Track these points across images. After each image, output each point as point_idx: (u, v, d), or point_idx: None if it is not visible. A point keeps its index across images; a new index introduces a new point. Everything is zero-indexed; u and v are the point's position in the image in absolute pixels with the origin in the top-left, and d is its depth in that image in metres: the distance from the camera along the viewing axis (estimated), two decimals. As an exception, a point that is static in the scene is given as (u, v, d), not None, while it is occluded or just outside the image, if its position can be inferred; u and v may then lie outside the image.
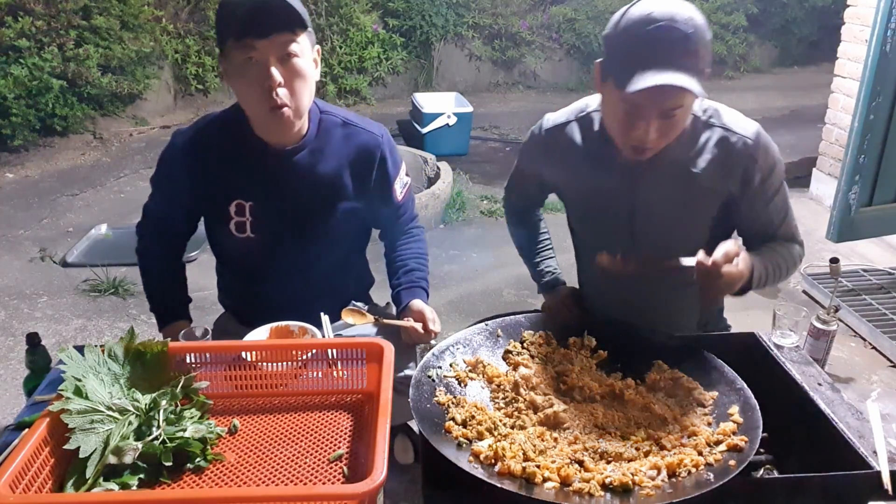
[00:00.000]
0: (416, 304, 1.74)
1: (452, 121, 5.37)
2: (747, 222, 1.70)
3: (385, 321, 1.72)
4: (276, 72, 1.51)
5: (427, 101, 5.61)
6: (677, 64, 1.37)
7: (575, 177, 1.72)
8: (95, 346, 1.27)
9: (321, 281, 1.80)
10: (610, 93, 1.49)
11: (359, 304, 1.93)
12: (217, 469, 1.19)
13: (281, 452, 1.23)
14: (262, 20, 1.47)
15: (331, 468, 1.20)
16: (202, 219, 1.82)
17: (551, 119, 1.77)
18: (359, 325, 1.75)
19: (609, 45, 1.47)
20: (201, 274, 1.92)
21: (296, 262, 1.76)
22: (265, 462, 1.21)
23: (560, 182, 1.79)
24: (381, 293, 2.03)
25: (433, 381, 1.32)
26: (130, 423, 1.18)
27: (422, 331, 1.68)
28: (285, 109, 1.56)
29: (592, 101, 1.72)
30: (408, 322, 1.69)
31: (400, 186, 1.82)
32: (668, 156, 1.59)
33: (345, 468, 1.20)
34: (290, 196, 1.70)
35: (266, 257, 1.75)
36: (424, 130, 5.36)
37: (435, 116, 5.35)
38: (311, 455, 1.23)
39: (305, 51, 1.56)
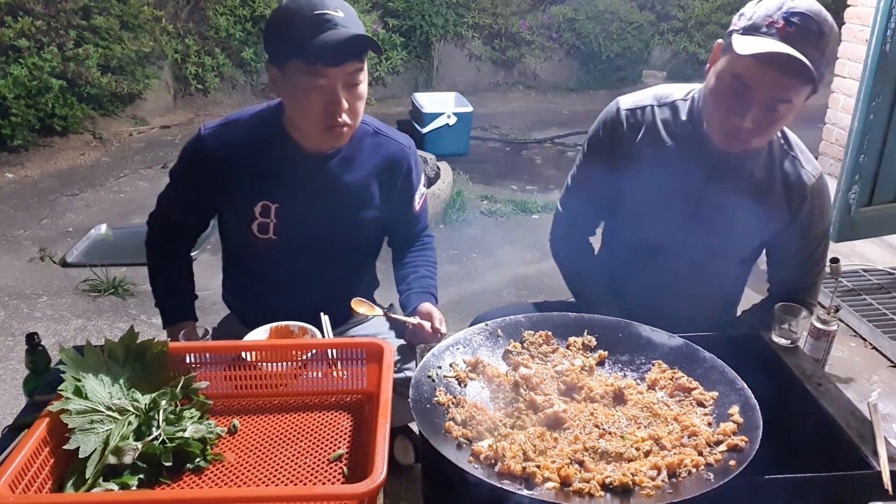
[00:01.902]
0: (426, 306, 1.74)
1: (452, 121, 5.37)
2: (781, 263, 1.74)
3: (393, 316, 1.74)
4: (343, 99, 1.53)
5: (427, 101, 5.61)
6: (804, 50, 1.38)
7: (648, 161, 1.69)
8: (95, 346, 1.27)
9: (332, 286, 1.79)
10: (723, 69, 1.48)
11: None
12: (217, 469, 1.19)
13: (281, 452, 1.23)
14: (338, 50, 1.47)
15: (331, 468, 1.20)
16: (216, 216, 1.81)
17: (629, 100, 1.73)
18: (369, 319, 1.76)
19: (741, 15, 1.48)
20: (202, 274, 1.92)
21: (312, 266, 1.75)
22: (265, 462, 1.21)
23: (630, 166, 1.72)
24: (383, 295, 2.02)
25: (433, 381, 1.32)
26: (130, 423, 1.18)
27: (429, 330, 1.67)
28: (345, 129, 1.58)
29: (675, 90, 1.71)
30: (415, 320, 1.69)
31: (419, 197, 1.84)
32: (745, 167, 1.63)
33: (345, 468, 1.20)
34: (318, 201, 1.69)
35: (283, 260, 1.73)
36: (424, 130, 5.36)
37: (435, 116, 5.35)
38: (311, 455, 1.23)
39: (366, 71, 1.58)
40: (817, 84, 1.42)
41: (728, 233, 1.69)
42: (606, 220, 1.89)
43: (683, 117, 1.65)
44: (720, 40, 1.52)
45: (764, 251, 1.79)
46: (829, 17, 1.42)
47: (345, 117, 1.56)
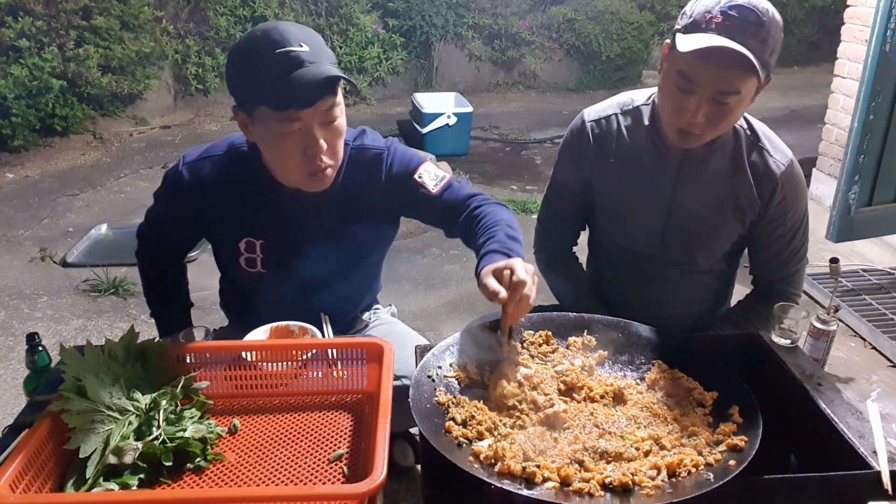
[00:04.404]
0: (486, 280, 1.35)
1: (452, 121, 5.37)
2: (760, 253, 1.73)
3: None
4: (321, 140, 1.44)
5: (427, 101, 5.61)
6: (743, 41, 1.39)
7: (617, 170, 1.70)
8: (96, 346, 1.27)
9: (332, 305, 1.75)
10: (669, 67, 1.50)
11: (365, 314, 1.91)
12: (217, 469, 1.19)
13: (281, 452, 1.23)
14: (309, 91, 1.38)
15: (331, 468, 1.20)
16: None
17: (593, 111, 1.75)
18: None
19: (683, 13, 1.49)
20: (202, 274, 1.91)
21: (307, 292, 1.70)
22: (265, 462, 1.21)
23: (600, 176, 1.74)
24: (386, 297, 2.01)
25: (433, 381, 1.32)
26: (130, 423, 1.19)
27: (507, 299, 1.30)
28: (328, 171, 1.50)
29: (637, 96, 1.72)
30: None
31: (430, 180, 1.65)
32: (712, 163, 1.63)
33: (345, 468, 1.20)
34: (303, 233, 1.63)
35: (276, 289, 1.69)
36: (424, 130, 5.36)
37: (435, 116, 5.35)
38: (311, 455, 1.23)
39: (342, 103, 1.49)
40: (761, 73, 1.43)
41: (703, 230, 1.69)
42: (588, 229, 1.90)
43: (646, 122, 1.67)
44: (667, 41, 1.53)
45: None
46: (769, 6, 1.44)
47: (325, 159, 1.47)
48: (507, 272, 1.31)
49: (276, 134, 1.43)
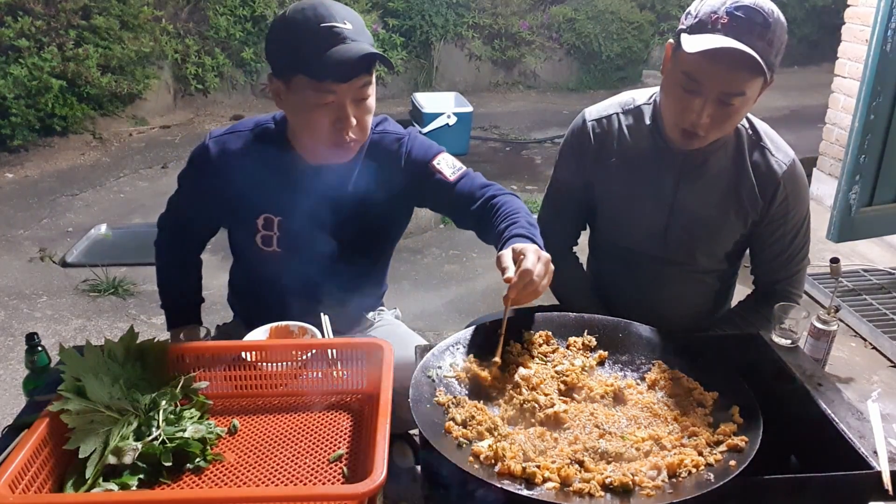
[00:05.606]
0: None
1: (452, 121, 5.37)
2: (761, 253, 1.73)
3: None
4: (352, 115, 1.50)
5: (427, 100, 5.61)
6: (750, 42, 1.39)
7: (618, 170, 1.70)
8: (95, 346, 1.27)
9: (341, 292, 1.75)
10: (674, 67, 1.50)
11: (370, 314, 1.91)
12: (217, 469, 1.19)
13: (281, 452, 1.23)
14: (348, 67, 1.43)
15: (331, 468, 1.20)
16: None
17: (594, 111, 1.75)
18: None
19: (687, 14, 1.49)
20: (204, 273, 1.92)
21: (319, 276, 1.69)
22: (265, 462, 1.21)
23: (601, 176, 1.74)
24: (386, 298, 2.01)
25: (433, 381, 1.32)
26: (130, 423, 1.18)
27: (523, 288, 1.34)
28: (353, 143, 1.55)
29: (639, 95, 1.72)
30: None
31: (447, 168, 1.67)
32: (714, 163, 1.63)
33: (345, 468, 1.20)
34: (321, 213, 1.65)
35: (289, 271, 1.69)
36: (424, 130, 5.36)
37: (435, 116, 5.36)
38: (311, 455, 1.23)
39: (374, 83, 1.54)
40: (768, 74, 1.43)
41: (705, 229, 1.69)
42: (588, 229, 1.90)
43: (647, 121, 1.67)
44: (671, 41, 1.52)
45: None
46: (774, 7, 1.44)
47: (352, 134, 1.53)
48: (521, 256, 1.36)
49: (310, 104, 1.48)
